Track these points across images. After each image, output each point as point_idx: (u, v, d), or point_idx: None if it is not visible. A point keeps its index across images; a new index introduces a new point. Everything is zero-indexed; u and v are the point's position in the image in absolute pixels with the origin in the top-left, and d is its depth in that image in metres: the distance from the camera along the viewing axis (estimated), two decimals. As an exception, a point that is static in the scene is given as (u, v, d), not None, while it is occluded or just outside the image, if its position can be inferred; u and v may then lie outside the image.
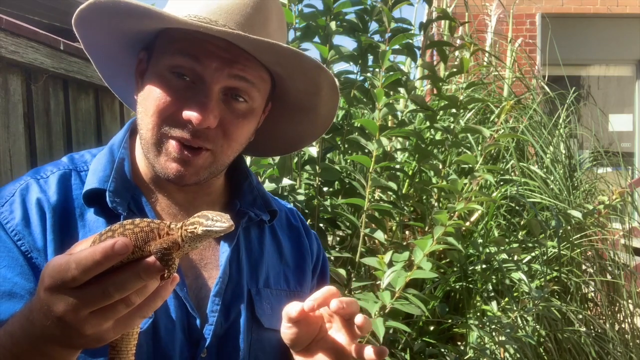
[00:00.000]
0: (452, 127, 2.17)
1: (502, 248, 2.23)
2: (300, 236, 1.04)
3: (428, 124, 2.22)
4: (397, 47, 1.98)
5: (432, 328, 2.19)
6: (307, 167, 2.03)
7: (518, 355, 2.09)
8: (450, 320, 2.13)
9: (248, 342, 0.88)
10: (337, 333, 0.84)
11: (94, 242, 0.60)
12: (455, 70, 2.16)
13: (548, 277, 2.47)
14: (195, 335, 0.83)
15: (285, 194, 1.89)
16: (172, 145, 0.83)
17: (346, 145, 2.06)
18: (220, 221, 0.60)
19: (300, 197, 1.91)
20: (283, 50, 0.81)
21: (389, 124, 2.17)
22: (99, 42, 0.90)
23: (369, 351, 0.80)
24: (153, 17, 0.79)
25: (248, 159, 1.87)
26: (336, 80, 0.92)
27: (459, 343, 2.25)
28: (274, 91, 0.93)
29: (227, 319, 0.86)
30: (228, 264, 0.88)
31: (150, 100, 0.83)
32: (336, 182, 2.07)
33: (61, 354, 0.63)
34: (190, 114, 0.80)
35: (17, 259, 0.77)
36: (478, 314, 2.25)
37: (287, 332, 0.85)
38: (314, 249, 1.06)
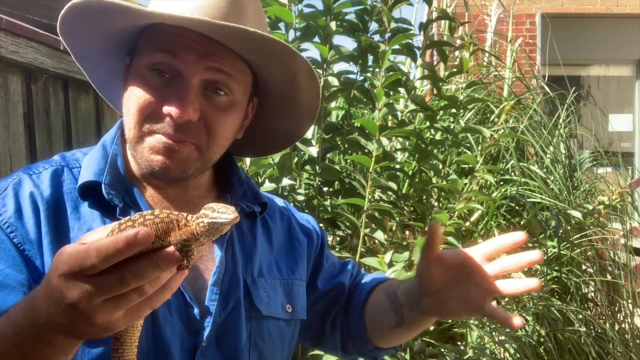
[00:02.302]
0: (452, 127, 2.17)
1: (502, 248, 2.22)
2: (290, 225, 1.07)
3: (428, 124, 2.22)
4: (397, 47, 1.98)
5: (432, 328, 2.19)
6: (307, 167, 2.03)
7: (518, 355, 2.09)
8: (450, 320, 2.13)
9: (247, 330, 0.89)
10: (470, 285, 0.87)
11: (112, 231, 0.61)
12: (455, 70, 2.15)
13: (548, 277, 2.48)
14: (195, 325, 0.84)
15: (285, 194, 1.89)
16: (156, 137, 0.84)
17: (346, 145, 2.06)
18: (226, 213, 0.61)
19: (300, 197, 1.91)
20: (251, 35, 0.81)
21: (389, 124, 2.17)
22: (87, 50, 0.92)
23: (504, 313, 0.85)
24: (125, 13, 0.81)
25: (247, 160, 1.87)
26: (312, 66, 0.92)
27: (459, 343, 2.25)
28: (258, 86, 0.95)
29: (225, 308, 0.87)
30: (224, 255, 0.90)
31: (131, 99, 0.85)
32: (336, 182, 2.07)
33: (64, 343, 0.62)
34: (169, 109, 0.82)
35: (9, 250, 0.78)
36: (478, 314, 2.25)
37: (423, 268, 0.88)
38: (312, 233, 1.09)
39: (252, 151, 1.11)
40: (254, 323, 0.90)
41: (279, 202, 1.11)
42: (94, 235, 0.62)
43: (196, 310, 0.84)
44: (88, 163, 0.88)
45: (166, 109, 0.82)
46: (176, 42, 0.82)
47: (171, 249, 0.59)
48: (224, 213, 0.61)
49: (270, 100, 0.98)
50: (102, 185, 0.84)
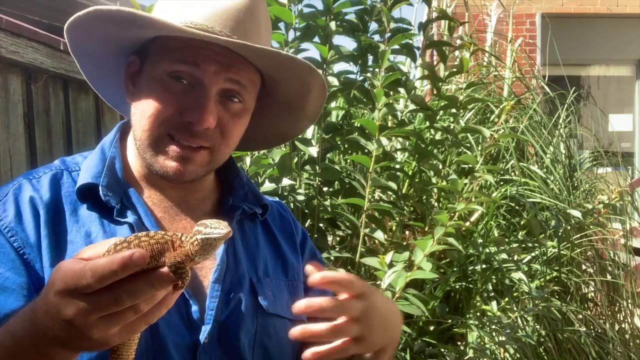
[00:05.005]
0: (452, 127, 2.17)
1: (502, 248, 2.23)
2: (291, 228, 1.08)
3: (428, 124, 2.22)
4: (396, 47, 1.98)
5: (432, 328, 2.19)
6: (307, 167, 2.03)
7: (518, 355, 2.09)
8: (450, 320, 2.13)
9: (253, 328, 0.89)
10: None
11: (108, 251, 0.62)
12: (455, 70, 2.15)
13: (548, 277, 2.47)
14: (195, 322, 0.84)
15: (285, 194, 1.89)
16: (171, 147, 0.86)
17: (346, 145, 2.06)
18: (219, 228, 0.62)
19: (300, 197, 1.91)
20: (281, 58, 0.86)
21: (389, 124, 2.17)
22: (88, 47, 0.92)
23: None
24: (156, 26, 0.82)
25: (247, 159, 1.87)
26: (325, 81, 0.95)
27: (459, 343, 2.25)
28: (262, 91, 0.96)
29: (227, 305, 0.88)
30: (225, 254, 0.90)
31: (148, 103, 0.85)
32: (336, 182, 2.07)
33: (62, 355, 0.64)
34: (191, 116, 0.84)
35: (8, 254, 0.79)
36: (478, 314, 2.25)
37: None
38: (300, 241, 1.09)
39: (249, 147, 1.12)
40: (260, 320, 0.90)
41: (278, 204, 1.12)
42: (92, 250, 0.63)
43: (195, 308, 0.84)
44: (87, 166, 0.89)
45: (187, 116, 0.84)
46: (199, 53, 0.84)
47: (166, 270, 0.60)
48: (216, 228, 0.61)
49: (274, 104, 1.00)
50: (99, 187, 0.85)
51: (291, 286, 0.99)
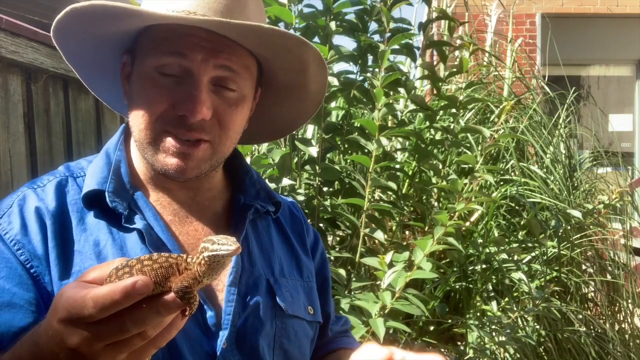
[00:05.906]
0: (452, 127, 2.17)
1: (502, 248, 2.23)
2: (302, 228, 1.06)
3: (428, 124, 2.22)
4: (396, 47, 1.98)
5: (432, 328, 2.19)
6: (307, 167, 2.03)
7: (518, 355, 2.09)
8: (450, 320, 2.13)
9: (272, 330, 0.88)
10: None
11: (109, 276, 0.59)
12: (455, 70, 2.15)
13: (548, 277, 2.48)
14: (212, 328, 0.82)
15: (285, 194, 1.89)
16: (169, 141, 0.83)
17: (346, 145, 2.06)
18: (227, 244, 0.59)
19: (300, 197, 1.91)
20: (265, 31, 0.81)
21: (389, 124, 2.17)
22: (80, 51, 0.90)
23: None
24: (131, 16, 0.79)
25: (247, 159, 1.87)
26: (321, 54, 0.91)
27: (459, 343, 2.25)
28: (262, 77, 0.94)
29: (245, 308, 0.86)
30: (239, 255, 0.88)
31: (140, 101, 0.83)
32: (336, 182, 2.07)
33: None
34: (184, 109, 0.81)
35: (15, 269, 0.77)
36: (478, 314, 2.25)
37: None
38: (311, 243, 1.07)
39: (256, 139, 1.10)
40: (279, 322, 0.89)
41: (291, 204, 1.10)
42: (96, 271, 0.61)
43: (211, 314, 0.83)
44: (92, 172, 0.86)
45: (180, 109, 0.81)
46: (184, 42, 0.81)
47: (171, 296, 0.57)
48: (224, 244, 0.59)
49: (276, 89, 0.97)
50: (106, 194, 0.83)
51: (306, 287, 0.98)
